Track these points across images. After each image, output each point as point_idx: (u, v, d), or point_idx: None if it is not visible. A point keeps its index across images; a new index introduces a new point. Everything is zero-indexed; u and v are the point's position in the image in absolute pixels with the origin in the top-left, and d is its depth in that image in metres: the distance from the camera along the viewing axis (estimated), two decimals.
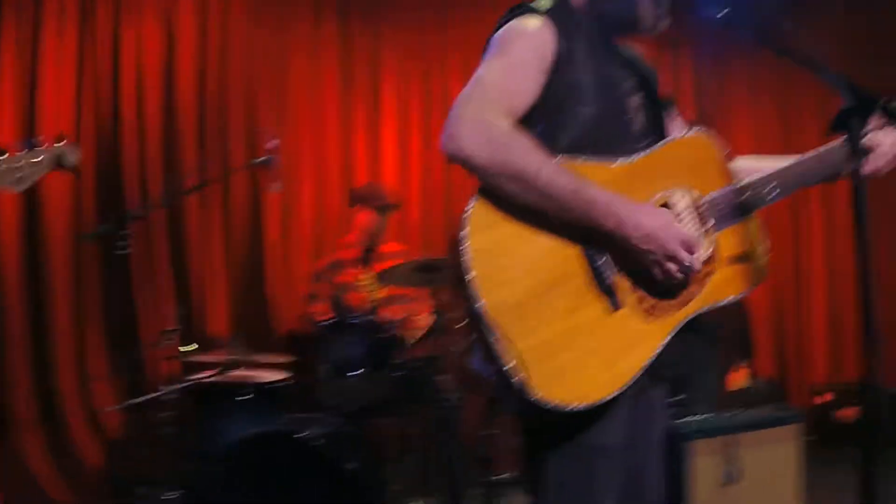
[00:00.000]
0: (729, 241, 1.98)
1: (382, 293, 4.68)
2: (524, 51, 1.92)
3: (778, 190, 2.04)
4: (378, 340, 4.10)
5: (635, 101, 2.08)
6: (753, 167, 2.10)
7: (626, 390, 1.81)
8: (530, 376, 1.71)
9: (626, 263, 1.84)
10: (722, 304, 1.96)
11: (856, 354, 6.54)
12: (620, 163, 1.89)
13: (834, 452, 5.45)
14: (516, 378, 1.70)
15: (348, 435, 3.95)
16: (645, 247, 1.80)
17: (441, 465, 4.44)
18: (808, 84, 6.33)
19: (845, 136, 1.78)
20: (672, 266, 1.82)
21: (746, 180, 2.01)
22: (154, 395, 4.23)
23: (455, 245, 1.75)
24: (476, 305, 1.71)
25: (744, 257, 2.00)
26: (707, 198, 1.95)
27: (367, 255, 4.77)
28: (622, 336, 1.83)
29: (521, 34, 1.94)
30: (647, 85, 2.14)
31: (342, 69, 5.53)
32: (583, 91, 1.94)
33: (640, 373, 1.83)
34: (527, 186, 1.76)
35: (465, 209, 1.76)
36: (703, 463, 3.87)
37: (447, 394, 4.34)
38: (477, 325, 1.74)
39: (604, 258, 1.82)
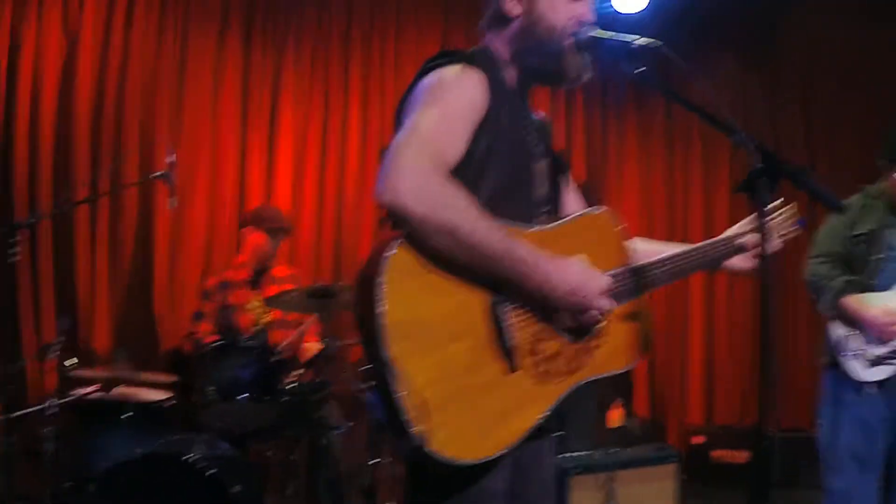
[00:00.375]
0: (620, 317, 2.07)
1: (271, 316, 4.66)
2: (460, 101, 1.95)
3: (667, 275, 2.17)
4: (266, 364, 4.09)
5: (541, 166, 2.15)
6: (648, 250, 2.22)
7: (513, 447, 1.88)
8: (428, 430, 1.74)
9: (533, 322, 1.91)
10: (609, 375, 2.05)
11: (727, 398, 7.03)
12: (534, 230, 1.97)
13: (709, 491, 5.87)
14: (415, 429, 1.73)
15: (232, 458, 3.95)
16: (564, 296, 1.87)
17: (322, 493, 4.51)
18: (695, 140, 6.79)
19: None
20: (589, 316, 1.92)
21: (641, 263, 2.12)
22: (34, 408, 4.20)
23: (367, 285, 1.77)
24: (382, 351, 1.73)
25: (632, 333, 2.11)
26: (611, 272, 2.02)
27: (257, 278, 4.75)
28: (516, 397, 1.88)
29: (456, 83, 1.96)
30: (552, 151, 2.23)
31: (242, 88, 5.56)
32: (499, 154, 2.00)
33: (530, 432, 1.90)
34: (459, 241, 1.78)
35: (385, 252, 1.76)
36: (582, 498, 4.05)
37: (332, 421, 4.41)
38: (381, 369, 1.76)
39: (507, 318, 1.87)
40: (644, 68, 2.04)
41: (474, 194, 1.86)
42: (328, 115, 5.82)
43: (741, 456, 6.41)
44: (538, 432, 1.94)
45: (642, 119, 6.87)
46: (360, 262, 1.84)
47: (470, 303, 1.84)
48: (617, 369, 2.08)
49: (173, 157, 4.07)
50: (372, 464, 4.41)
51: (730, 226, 2.39)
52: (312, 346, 4.63)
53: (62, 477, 4.00)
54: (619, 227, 2.13)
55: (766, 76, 7.39)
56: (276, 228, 4.76)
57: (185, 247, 5.33)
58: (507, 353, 1.86)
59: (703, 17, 6.85)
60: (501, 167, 2.00)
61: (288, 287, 4.68)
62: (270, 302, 4.46)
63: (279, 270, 4.87)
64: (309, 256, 5.64)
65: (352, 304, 1.86)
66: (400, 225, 1.79)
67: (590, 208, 2.16)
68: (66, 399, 4.10)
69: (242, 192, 5.50)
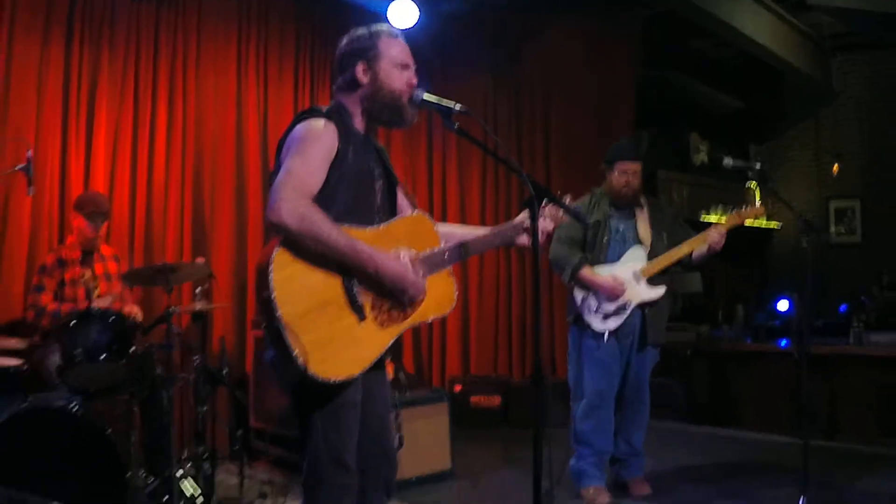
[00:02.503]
0: (435, 280, 3.04)
1: (101, 290, 5.16)
2: (318, 149, 2.84)
3: (468, 252, 3.17)
4: (121, 330, 4.57)
5: (380, 184, 3.10)
6: (453, 233, 3.24)
7: (364, 370, 2.83)
8: (308, 360, 2.65)
9: (372, 291, 2.84)
10: (427, 321, 3.05)
11: (481, 353, 8.30)
12: (370, 229, 2.91)
13: (471, 431, 6.92)
14: (300, 361, 2.64)
15: (93, 411, 4.54)
16: (390, 282, 2.83)
17: (155, 438, 5.12)
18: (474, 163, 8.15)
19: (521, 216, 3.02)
20: (405, 294, 2.88)
21: (447, 245, 3.10)
22: None
23: (262, 275, 2.67)
24: (276, 314, 2.63)
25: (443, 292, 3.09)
26: (422, 255, 3.01)
27: (86, 256, 5.27)
28: (366, 337, 2.83)
29: (316, 137, 2.86)
30: (387, 171, 3.16)
31: (63, 88, 5.87)
32: (348, 180, 2.91)
33: (376, 360, 2.86)
34: (319, 243, 2.70)
35: (271, 253, 2.67)
36: None
37: (167, 376, 5.04)
38: (275, 328, 2.65)
39: (356, 288, 2.81)
40: (457, 126, 2.99)
41: (329, 209, 2.78)
42: (139, 111, 6.23)
43: (495, 401, 7.57)
44: (377, 364, 2.92)
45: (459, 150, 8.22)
46: (259, 260, 2.75)
47: (330, 280, 2.78)
48: (437, 316, 3.07)
49: (31, 153, 4.53)
50: (201, 411, 5.03)
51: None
52: (135, 310, 5.23)
53: None
54: (430, 222, 3.13)
55: (512, 97, 8.67)
56: (95, 212, 5.22)
57: (12, 230, 5.60)
58: (357, 309, 2.81)
59: (460, 36, 7.83)
60: (347, 189, 2.92)
61: (112, 264, 5.35)
62: (126, 277, 5.05)
63: (105, 249, 5.41)
64: (123, 236, 6.04)
65: (255, 286, 2.75)
66: (280, 234, 2.70)
67: (411, 211, 3.20)
68: None
69: (63, 181, 5.82)
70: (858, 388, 7.24)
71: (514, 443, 6.71)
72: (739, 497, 5.10)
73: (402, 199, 3.27)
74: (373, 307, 2.85)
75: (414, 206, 3.28)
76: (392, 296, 2.87)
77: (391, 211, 3.16)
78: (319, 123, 2.89)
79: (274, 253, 2.67)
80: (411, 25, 6.98)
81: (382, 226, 2.96)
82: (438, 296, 3.04)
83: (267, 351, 2.88)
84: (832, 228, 11.66)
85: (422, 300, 2.96)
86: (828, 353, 7.41)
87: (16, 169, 4.55)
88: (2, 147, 5.57)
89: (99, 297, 5.08)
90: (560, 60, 8.61)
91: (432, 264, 3.02)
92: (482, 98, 8.34)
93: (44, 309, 5.10)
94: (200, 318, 5.18)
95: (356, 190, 2.95)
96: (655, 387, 5.44)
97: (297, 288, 2.69)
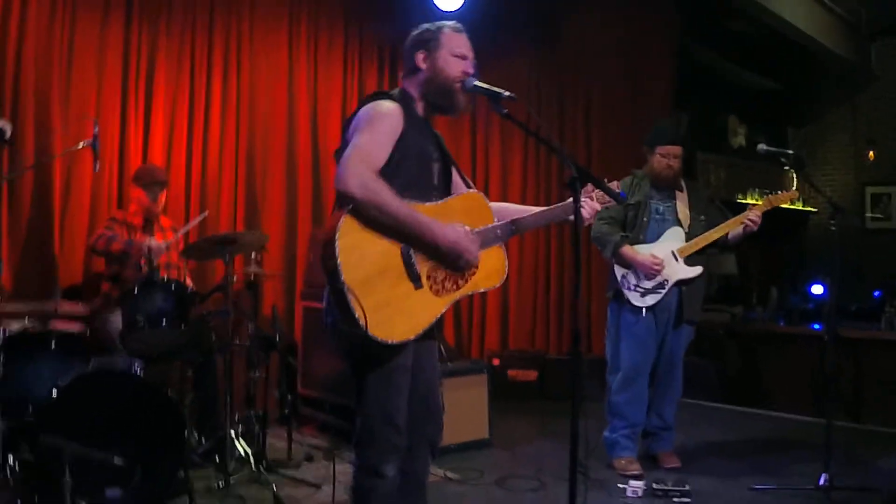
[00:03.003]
0: (488, 255, 3.25)
1: (162, 258, 5.38)
2: (385, 127, 3.08)
3: (519, 229, 3.38)
4: (181, 298, 4.82)
5: (437, 166, 3.33)
6: (507, 210, 3.46)
7: (418, 336, 3.05)
8: (368, 322, 2.87)
9: (429, 260, 3.06)
10: (480, 292, 3.30)
11: (518, 329, 8.52)
12: (429, 204, 3.13)
13: (507, 404, 7.08)
14: (361, 322, 2.86)
15: (154, 375, 4.81)
16: (446, 248, 3.03)
17: (208, 402, 5.40)
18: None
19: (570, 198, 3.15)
20: (461, 259, 3.08)
21: (500, 222, 3.31)
22: None
23: (328, 243, 2.88)
24: (340, 279, 2.84)
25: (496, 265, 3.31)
26: (476, 230, 3.21)
27: (147, 225, 5.52)
28: (420, 304, 3.05)
29: (384, 115, 3.10)
30: (443, 153, 3.39)
31: (123, 64, 6.12)
32: (409, 159, 3.14)
33: (429, 326, 3.08)
34: (383, 213, 2.92)
35: (337, 222, 2.88)
36: None
37: (222, 342, 5.29)
38: (339, 291, 2.86)
39: (414, 257, 3.02)
40: (505, 112, 3.19)
41: (392, 183, 2.98)
42: (194, 88, 6.48)
43: (531, 374, 7.78)
44: (429, 333, 3.13)
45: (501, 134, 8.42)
46: (324, 228, 2.97)
47: (390, 249, 2.99)
48: (488, 287, 3.30)
49: (97, 129, 4.77)
50: (253, 376, 5.28)
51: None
52: (188, 281, 5.39)
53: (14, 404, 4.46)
54: (483, 200, 3.36)
55: (555, 76, 8.80)
56: (152, 182, 5.48)
57: (73, 202, 5.85)
58: (414, 277, 3.03)
59: (505, 17, 8.00)
60: (409, 166, 3.14)
61: (170, 235, 5.56)
62: (186, 251, 5.30)
63: (164, 220, 5.67)
64: (179, 208, 6.30)
65: (321, 253, 2.96)
66: (346, 203, 2.92)
67: (466, 189, 3.41)
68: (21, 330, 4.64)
69: (122, 156, 6.07)
70: (887, 371, 7.37)
71: (549, 415, 6.90)
72: (765, 472, 5.24)
73: (457, 180, 3.48)
74: (428, 276, 3.07)
75: (469, 186, 3.48)
76: (448, 263, 3.08)
77: (446, 191, 3.38)
78: (387, 105, 3.12)
79: (340, 221, 2.88)
80: (457, 8, 7.17)
81: (440, 202, 3.19)
82: (490, 268, 3.26)
83: (328, 315, 3.12)
84: (868, 213, 11.71)
85: (475, 270, 3.18)
86: (858, 336, 7.58)
87: (82, 145, 4.76)
88: (65, 123, 5.85)
89: (157, 265, 5.28)
90: (600, 42, 8.72)
91: (485, 239, 3.23)
92: (525, 78, 8.48)
93: (115, 236, 5.30)
94: (253, 288, 5.42)
95: (416, 168, 3.18)
96: (688, 366, 5.61)
97: (360, 255, 2.91)
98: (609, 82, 8.88)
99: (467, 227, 3.17)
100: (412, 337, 3.01)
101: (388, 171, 3.03)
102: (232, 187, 6.69)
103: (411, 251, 3.02)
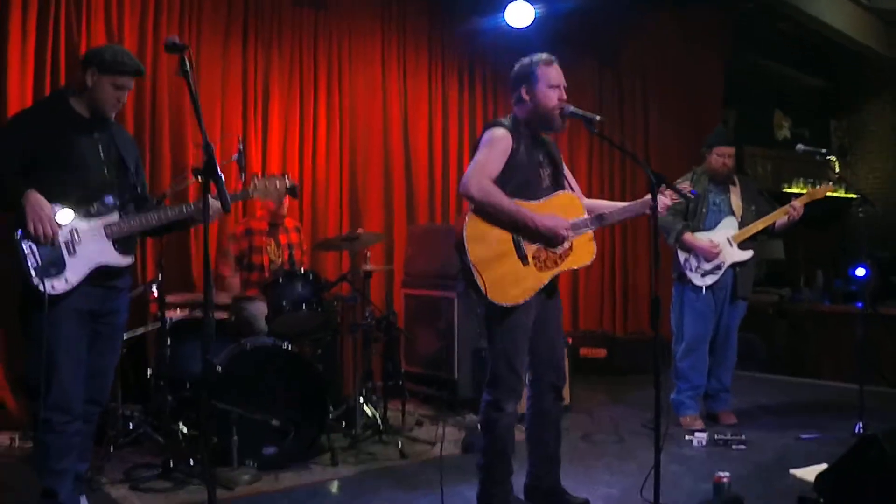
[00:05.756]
0: (580, 241, 4.16)
1: (285, 256, 6.21)
2: (499, 147, 4.02)
3: (604, 221, 4.25)
4: (317, 286, 5.59)
5: (546, 170, 4.23)
6: (594, 206, 4.32)
7: (531, 300, 3.98)
8: (488, 290, 3.84)
9: (534, 244, 3.98)
10: (574, 268, 4.21)
11: (588, 310, 9.41)
12: (534, 202, 4.03)
13: (580, 378, 7.81)
14: (484, 290, 3.82)
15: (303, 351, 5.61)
16: (545, 230, 3.93)
17: (332, 376, 6.27)
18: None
19: (648, 196, 3.92)
20: (557, 237, 3.97)
21: (589, 217, 4.18)
22: (151, 327, 5.73)
23: (459, 231, 3.86)
24: (467, 258, 3.83)
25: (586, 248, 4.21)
26: (570, 221, 4.09)
27: (272, 228, 6.31)
28: (528, 276, 4.00)
29: (497, 139, 4.03)
30: (552, 158, 4.28)
31: (242, 83, 7.02)
32: (520, 167, 4.06)
33: (537, 292, 4.01)
34: (497, 211, 3.89)
35: (465, 218, 3.88)
36: None
37: (352, 323, 6.09)
38: (467, 268, 3.85)
39: (522, 242, 3.96)
40: (597, 131, 4.10)
41: (506, 187, 3.93)
42: (303, 102, 7.40)
43: (601, 352, 8.64)
44: (549, 295, 4.10)
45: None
46: (457, 222, 3.92)
47: (505, 237, 3.97)
48: (580, 266, 4.24)
49: (242, 146, 5.55)
50: (369, 353, 6.11)
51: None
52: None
53: (171, 380, 5.36)
54: (576, 198, 4.25)
55: (615, 78, 9.67)
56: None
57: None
58: (523, 257, 3.97)
59: (570, 31, 8.83)
60: (520, 173, 4.06)
61: (294, 235, 6.38)
62: (321, 245, 6.22)
63: (289, 221, 6.46)
64: (294, 209, 7.10)
65: (455, 242, 3.88)
66: (471, 203, 3.89)
67: (562, 190, 4.26)
68: (182, 318, 5.63)
69: (247, 165, 6.89)
70: None
71: (618, 386, 7.83)
72: (810, 426, 6.03)
73: (570, 181, 4.37)
74: (534, 256, 4.01)
75: (571, 187, 4.36)
76: (546, 242, 3.99)
77: (559, 188, 4.25)
78: (499, 131, 4.06)
79: (467, 217, 3.90)
80: (526, 25, 8.06)
81: (542, 200, 4.10)
82: (581, 252, 4.17)
83: (460, 285, 4.08)
84: None
85: (569, 251, 4.09)
86: None
87: (231, 159, 5.60)
88: (195, 136, 6.66)
89: (282, 262, 6.18)
90: (657, 49, 9.69)
91: (577, 228, 4.12)
92: (589, 83, 9.36)
93: (221, 276, 6.17)
94: (368, 278, 6.29)
95: (526, 175, 4.09)
96: (741, 342, 6.47)
97: (481, 241, 3.91)
98: (666, 85, 9.83)
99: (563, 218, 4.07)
100: (521, 301, 3.95)
101: (503, 179, 3.97)
102: (337, 190, 7.63)
103: (520, 237, 3.95)
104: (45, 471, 3.73)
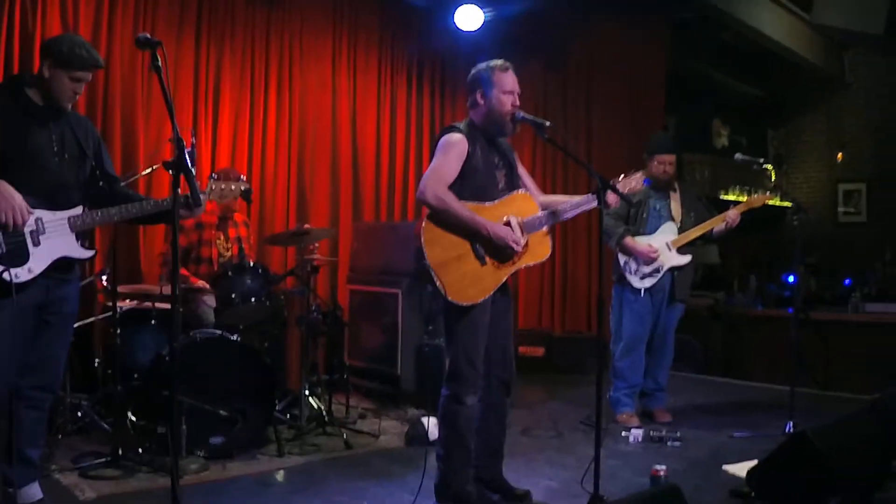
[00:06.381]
0: (536, 237, 4.31)
1: (234, 250, 6.26)
2: (454, 153, 4.16)
3: (557, 218, 4.40)
4: (266, 279, 5.69)
5: (501, 171, 4.37)
6: (549, 202, 4.45)
7: (488, 298, 4.14)
8: (448, 291, 3.99)
9: (489, 247, 4.13)
10: (529, 265, 4.33)
11: (527, 308, 9.59)
12: (489, 204, 4.19)
13: (518, 374, 7.90)
14: (443, 291, 3.97)
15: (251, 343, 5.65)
16: (497, 240, 4.10)
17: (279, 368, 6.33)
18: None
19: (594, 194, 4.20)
20: (508, 248, 4.14)
21: (543, 213, 4.32)
22: (99, 317, 5.81)
23: (417, 235, 3.99)
24: (426, 262, 3.96)
25: (540, 245, 4.36)
26: (524, 219, 4.25)
27: (223, 221, 6.32)
28: (486, 275, 4.16)
29: (452, 143, 4.17)
30: (507, 160, 4.42)
31: (194, 78, 7.08)
32: (476, 171, 4.20)
33: (494, 291, 4.18)
34: (451, 217, 4.04)
35: (423, 223, 4.00)
36: None
37: (299, 316, 6.15)
38: (426, 271, 3.98)
39: (478, 245, 4.11)
40: (548, 137, 4.25)
41: (462, 190, 4.09)
42: (254, 98, 7.46)
43: (539, 351, 8.83)
44: (503, 293, 4.25)
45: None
46: (417, 226, 4.02)
47: (461, 241, 4.10)
48: (536, 262, 4.36)
49: (194, 139, 5.61)
50: (310, 346, 6.16)
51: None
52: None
53: (119, 370, 5.21)
54: (530, 197, 4.38)
55: (559, 79, 9.84)
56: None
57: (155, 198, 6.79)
58: (481, 258, 4.12)
59: (517, 34, 8.98)
60: (476, 177, 4.20)
61: (242, 229, 6.41)
62: (271, 240, 6.30)
63: (238, 216, 6.48)
64: (240, 202, 6.69)
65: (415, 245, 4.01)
66: (427, 208, 4.02)
67: (516, 190, 4.39)
68: (132, 307, 5.65)
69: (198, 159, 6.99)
70: (851, 348, 8.50)
71: (556, 384, 8.02)
72: (743, 425, 6.26)
73: (525, 180, 4.52)
74: (491, 256, 4.16)
75: (527, 186, 4.49)
76: (498, 251, 4.14)
77: (514, 189, 4.38)
78: (455, 136, 4.20)
79: (423, 222, 4.02)
80: (476, 28, 8.21)
81: (498, 201, 4.25)
82: (537, 248, 4.33)
83: (427, 286, 4.14)
84: (840, 208, 12.75)
85: (523, 252, 4.23)
86: (827, 318, 8.73)
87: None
88: (147, 132, 6.79)
89: (230, 256, 6.24)
90: (601, 53, 9.89)
91: (531, 226, 4.28)
92: (534, 85, 9.45)
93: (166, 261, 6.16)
94: (315, 272, 6.37)
95: (483, 177, 4.23)
96: (677, 343, 6.69)
97: (438, 245, 4.04)
98: (609, 88, 10.03)
99: (519, 218, 4.23)
100: (480, 300, 4.11)
101: (460, 183, 4.11)
102: (285, 185, 7.69)
103: (476, 241, 4.10)
104: None
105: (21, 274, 3.69)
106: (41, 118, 3.87)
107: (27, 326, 3.85)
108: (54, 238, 3.81)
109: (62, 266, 3.89)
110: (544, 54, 9.69)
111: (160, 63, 3.26)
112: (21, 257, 3.70)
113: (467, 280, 4.07)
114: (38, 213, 3.76)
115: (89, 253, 4.04)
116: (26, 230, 3.70)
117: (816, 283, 11.39)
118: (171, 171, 3.31)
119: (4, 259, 3.63)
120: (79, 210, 3.92)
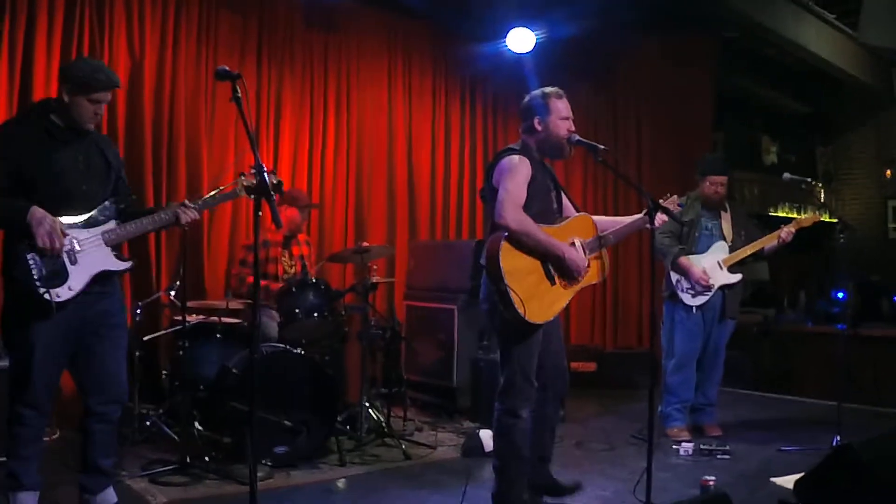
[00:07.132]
0: (594, 259, 4.49)
1: (298, 267, 6.52)
2: (521, 176, 4.29)
3: (612, 241, 4.60)
4: (327, 296, 5.89)
5: (553, 194, 4.56)
6: (600, 224, 4.64)
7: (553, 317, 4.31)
8: (524, 309, 4.10)
9: (559, 267, 4.28)
10: (590, 284, 4.51)
11: (579, 325, 9.76)
12: (554, 226, 4.36)
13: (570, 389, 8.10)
14: (519, 310, 4.09)
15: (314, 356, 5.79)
16: (569, 263, 4.27)
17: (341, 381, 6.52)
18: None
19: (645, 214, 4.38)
20: (579, 272, 4.32)
21: (599, 237, 4.52)
22: (168, 330, 6.00)
23: (493, 258, 4.12)
24: (504, 282, 4.09)
25: (599, 266, 4.55)
26: (586, 241, 4.45)
27: (287, 240, 6.59)
28: (555, 294, 4.31)
29: (517, 166, 4.30)
30: (556, 183, 4.61)
31: (255, 101, 7.34)
32: (538, 193, 4.36)
33: (560, 311, 4.35)
34: (528, 237, 4.18)
35: (499, 243, 4.11)
36: None
37: (360, 331, 6.32)
38: (503, 291, 4.10)
39: (549, 265, 4.26)
40: (601, 159, 4.46)
41: (528, 212, 4.21)
42: (313, 119, 7.74)
43: (591, 366, 8.97)
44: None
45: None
46: (489, 248, 4.15)
47: (535, 262, 4.24)
48: (595, 282, 4.57)
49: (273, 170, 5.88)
50: (369, 361, 6.28)
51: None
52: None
53: (186, 381, 5.50)
54: (590, 220, 4.58)
55: (609, 100, 10.01)
56: (306, 205, 6.69)
57: (218, 219, 7.04)
58: (550, 278, 4.27)
59: (567, 56, 9.12)
60: (538, 199, 4.36)
61: (305, 248, 6.66)
62: (332, 258, 6.51)
63: (301, 235, 6.73)
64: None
65: (486, 264, 4.18)
66: (501, 230, 4.16)
67: (576, 212, 4.61)
68: (198, 321, 5.87)
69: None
70: None
71: (608, 399, 8.16)
72: (791, 440, 6.37)
73: (567, 203, 4.70)
74: (560, 277, 4.32)
75: (577, 208, 4.70)
76: (567, 272, 4.30)
77: (561, 212, 4.59)
78: (517, 158, 4.36)
79: (501, 245, 4.14)
80: (528, 51, 8.42)
81: (562, 223, 4.44)
82: (595, 269, 4.51)
83: (484, 304, 4.36)
84: (891, 224, 12.68)
85: (587, 272, 4.41)
86: (877, 334, 8.77)
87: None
88: (210, 155, 7.07)
89: (294, 273, 6.48)
90: (649, 74, 10.02)
91: (592, 248, 4.47)
92: (584, 105, 9.62)
93: (247, 283, 6.37)
94: (374, 289, 6.57)
95: (542, 200, 4.42)
96: (727, 359, 6.77)
97: (516, 265, 4.17)
98: (657, 112, 10.17)
99: (582, 239, 4.42)
100: (550, 318, 4.31)
101: (526, 205, 4.26)
102: (343, 205, 7.98)
103: (548, 262, 4.27)
104: (13, 456, 3.98)
105: (62, 293, 3.85)
106: (64, 139, 4.01)
107: (78, 345, 4.04)
108: (91, 254, 3.97)
109: (101, 280, 4.04)
110: (593, 75, 9.86)
111: (240, 94, 3.44)
112: (61, 277, 3.86)
113: (539, 299, 4.22)
114: (73, 232, 3.92)
115: (126, 264, 4.19)
116: (63, 250, 3.86)
117: (865, 300, 11.38)
118: (252, 196, 3.50)
119: (45, 280, 3.80)
120: (112, 224, 4.08)
